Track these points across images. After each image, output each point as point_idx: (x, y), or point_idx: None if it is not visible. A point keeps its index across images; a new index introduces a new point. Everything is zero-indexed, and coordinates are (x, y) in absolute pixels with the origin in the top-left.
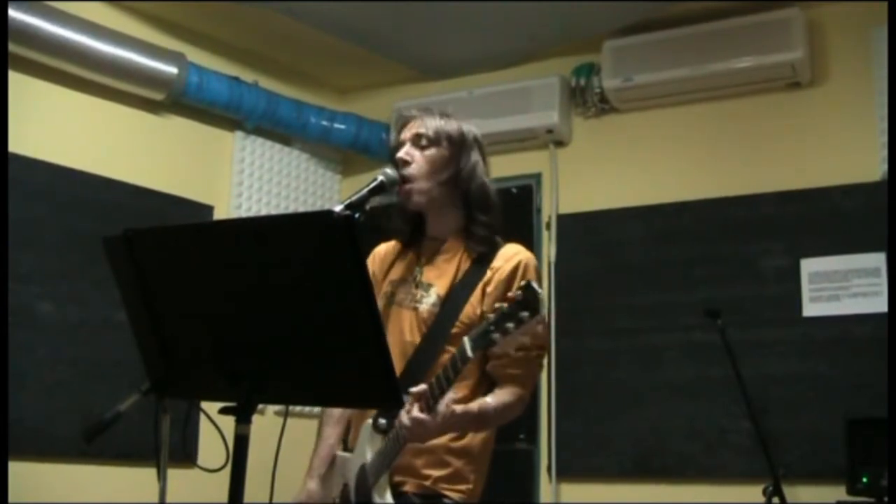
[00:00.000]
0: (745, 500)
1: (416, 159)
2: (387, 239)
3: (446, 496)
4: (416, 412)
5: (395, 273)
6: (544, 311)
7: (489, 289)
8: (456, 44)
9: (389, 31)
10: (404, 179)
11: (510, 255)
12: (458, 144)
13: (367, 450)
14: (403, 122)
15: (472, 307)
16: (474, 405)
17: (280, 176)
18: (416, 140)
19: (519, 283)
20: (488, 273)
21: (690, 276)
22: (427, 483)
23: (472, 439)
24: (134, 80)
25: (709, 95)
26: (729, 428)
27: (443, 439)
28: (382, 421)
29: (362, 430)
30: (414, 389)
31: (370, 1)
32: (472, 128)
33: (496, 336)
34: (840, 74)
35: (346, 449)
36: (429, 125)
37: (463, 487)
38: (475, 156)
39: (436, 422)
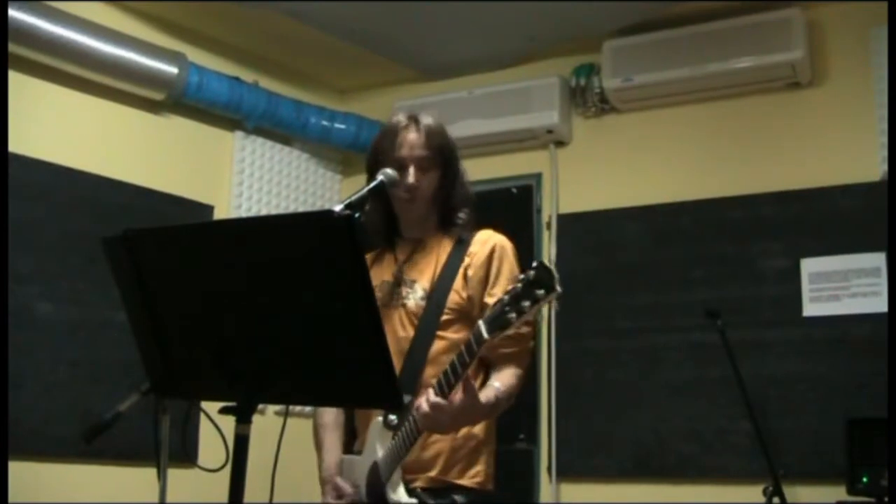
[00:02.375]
0: (745, 500)
1: (423, 185)
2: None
3: (458, 485)
4: (433, 397)
5: (377, 278)
6: (559, 286)
7: (470, 273)
8: (456, 44)
9: (389, 31)
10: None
11: (485, 240)
12: (450, 159)
13: (378, 447)
14: (399, 131)
15: (456, 293)
16: (488, 392)
17: (280, 176)
18: (421, 163)
19: (497, 264)
20: (466, 259)
21: (690, 277)
22: (436, 475)
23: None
24: (134, 80)
25: (709, 95)
26: (729, 428)
27: None
28: (392, 417)
29: (371, 427)
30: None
31: (370, 1)
32: (448, 130)
33: (512, 316)
34: (840, 74)
35: (349, 453)
36: (433, 147)
37: (475, 471)
38: (461, 165)
39: (452, 407)
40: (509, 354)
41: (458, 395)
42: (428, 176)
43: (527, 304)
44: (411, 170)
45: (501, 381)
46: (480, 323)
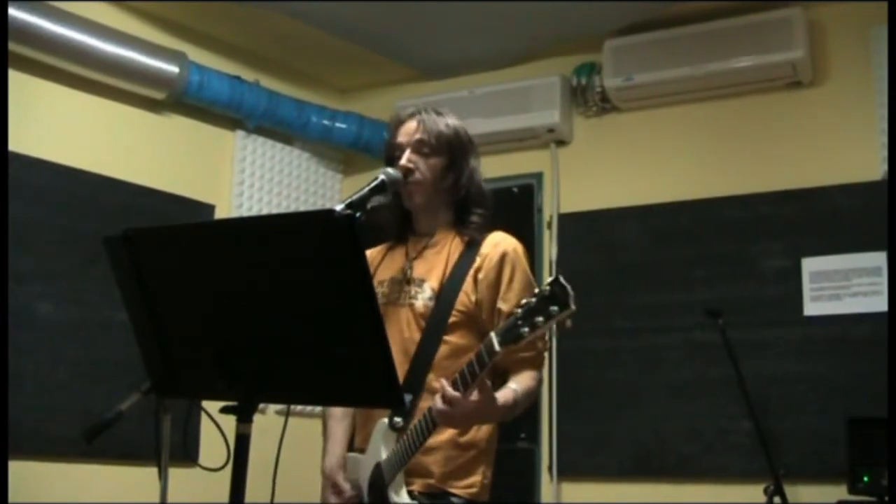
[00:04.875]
0: (746, 499)
1: (420, 167)
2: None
3: (454, 494)
4: (450, 392)
5: (385, 273)
6: (574, 304)
7: (480, 276)
8: (457, 43)
9: (390, 31)
10: (408, 183)
11: (497, 242)
12: (457, 151)
13: (382, 448)
14: (400, 122)
15: (465, 295)
16: (506, 393)
17: (281, 175)
18: (418, 146)
19: (510, 270)
20: (478, 260)
21: (691, 276)
22: (434, 481)
23: (478, 433)
24: (135, 80)
25: (709, 95)
26: (729, 428)
27: (448, 433)
28: (398, 419)
29: (376, 428)
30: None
31: (371, 1)
32: (464, 126)
33: (524, 330)
34: (840, 74)
35: (352, 449)
36: (431, 131)
37: (471, 481)
38: (473, 161)
39: (469, 403)
40: (526, 359)
41: (474, 393)
42: (429, 162)
43: (540, 319)
44: (406, 152)
45: (519, 383)
46: (493, 335)
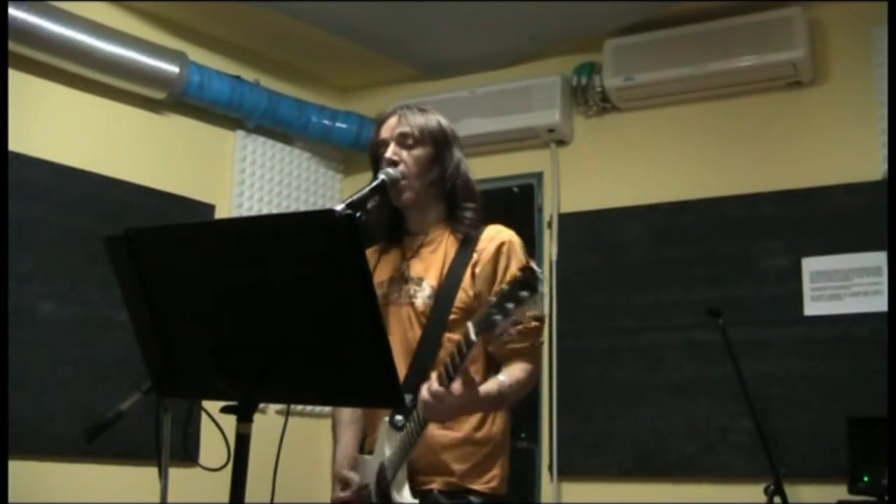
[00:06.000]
0: (746, 499)
1: (405, 159)
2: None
3: (474, 491)
4: (434, 386)
5: (383, 274)
6: (543, 287)
7: (477, 270)
8: (457, 43)
9: (391, 31)
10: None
11: (492, 236)
12: (441, 142)
13: (386, 448)
14: (383, 120)
15: (464, 292)
16: (491, 384)
17: (281, 175)
18: (402, 140)
19: (505, 261)
20: (474, 256)
21: (691, 276)
22: (454, 479)
23: (492, 428)
24: (135, 79)
25: (710, 94)
26: (730, 427)
27: (465, 430)
28: (399, 417)
29: (380, 428)
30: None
31: (371, 1)
32: (448, 121)
33: (497, 318)
34: (841, 73)
35: (363, 452)
36: (413, 124)
37: (489, 476)
38: (457, 152)
39: (454, 396)
40: (518, 350)
41: (457, 385)
42: (414, 154)
43: (511, 305)
44: (391, 145)
45: (508, 374)
46: (469, 324)
